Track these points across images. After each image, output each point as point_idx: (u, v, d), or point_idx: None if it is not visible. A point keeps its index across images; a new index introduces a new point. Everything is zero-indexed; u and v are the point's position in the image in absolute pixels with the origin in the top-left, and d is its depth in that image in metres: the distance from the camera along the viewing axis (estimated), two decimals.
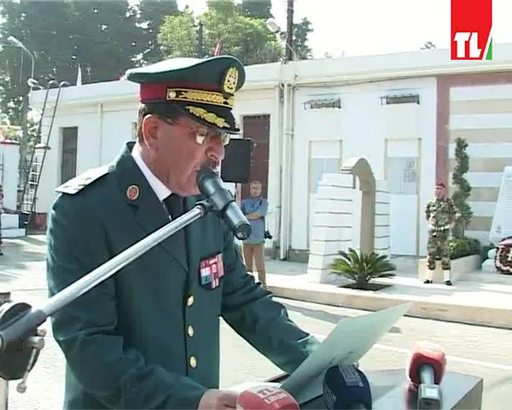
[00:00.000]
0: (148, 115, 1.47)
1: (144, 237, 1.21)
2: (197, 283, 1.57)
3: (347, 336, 1.39)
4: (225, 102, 1.45)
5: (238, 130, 1.48)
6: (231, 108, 1.48)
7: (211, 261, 1.62)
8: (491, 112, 14.33)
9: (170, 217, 1.52)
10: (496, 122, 14.24)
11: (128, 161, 1.53)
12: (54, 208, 1.45)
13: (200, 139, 1.44)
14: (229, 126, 1.44)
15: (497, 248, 12.92)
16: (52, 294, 1.38)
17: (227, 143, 1.52)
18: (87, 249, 1.40)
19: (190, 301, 1.54)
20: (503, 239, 13.00)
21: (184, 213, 1.49)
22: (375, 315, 1.50)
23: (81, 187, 1.44)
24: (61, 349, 1.39)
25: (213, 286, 1.62)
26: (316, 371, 1.36)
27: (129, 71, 1.51)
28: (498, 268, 12.78)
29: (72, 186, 1.45)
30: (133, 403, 1.32)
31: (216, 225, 1.65)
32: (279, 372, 1.65)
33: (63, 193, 1.45)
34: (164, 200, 1.53)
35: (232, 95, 1.47)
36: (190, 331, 1.54)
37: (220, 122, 1.42)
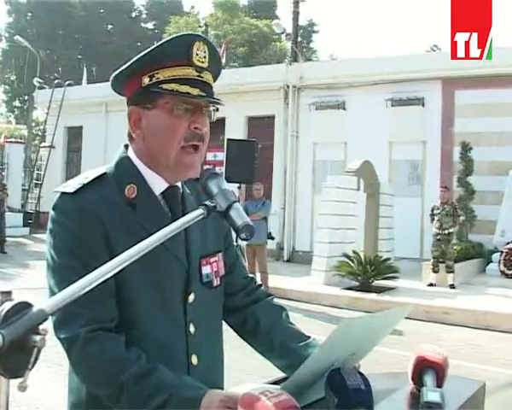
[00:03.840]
0: (131, 108, 1.51)
1: (143, 234, 1.22)
2: (198, 280, 1.57)
3: (348, 337, 1.38)
4: (199, 76, 1.48)
5: (218, 100, 1.51)
6: (209, 84, 1.51)
7: (211, 259, 1.62)
8: (496, 115, 14.31)
9: (169, 211, 1.54)
10: (501, 126, 14.22)
11: (125, 160, 1.56)
12: (53, 208, 1.47)
13: (180, 113, 1.46)
14: (204, 95, 1.47)
15: (502, 252, 12.89)
16: (53, 293, 1.39)
17: (213, 118, 1.54)
18: (87, 247, 1.40)
19: (191, 298, 1.54)
20: (508, 243, 12.97)
21: (183, 207, 1.50)
22: (375, 316, 1.50)
23: (80, 186, 1.46)
24: (62, 347, 1.39)
25: (214, 284, 1.62)
26: (317, 373, 1.36)
27: (111, 79, 1.55)
28: (502, 272, 12.75)
29: (71, 185, 1.47)
30: (134, 401, 1.33)
31: (216, 224, 1.66)
32: (280, 374, 1.65)
33: (62, 193, 1.46)
34: (162, 193, 1.54)
35: (207, 70, 1.51)
36: (191, 329, 1.54)
37: (194, 91, 1.45)
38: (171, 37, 1.47)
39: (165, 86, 1.44)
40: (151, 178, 1.53)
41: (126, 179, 1.51)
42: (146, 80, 1.46)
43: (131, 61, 1.49)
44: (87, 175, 1.50)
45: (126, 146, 1.60)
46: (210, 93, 1.49)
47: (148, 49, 1.46)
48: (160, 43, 1.46)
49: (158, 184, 1.54)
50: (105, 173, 1.52)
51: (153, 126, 1.49)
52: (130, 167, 1.53)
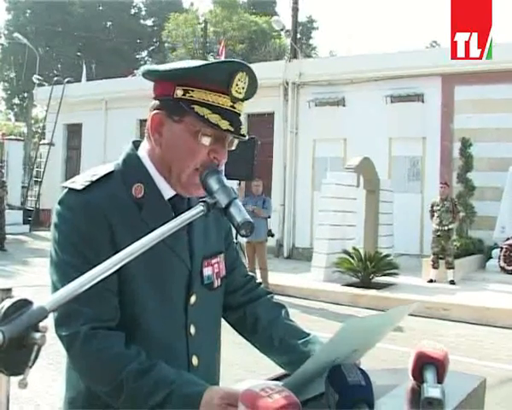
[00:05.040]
0: (156, 111, 1.48)
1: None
2: (199, 282, 1.57)
3: (352, 335, 1.39)
4: (232, 106, 1.45)
5: (244, 136, 1.47)
6: (239, 114, 1.48)
7: (213, 261, 1.62)
8: (495, 111, 14.29)
9: (174, 215, 1.50)
10: (501, 122, 14.21)
11: (134, 158, 1.54)
12: (59, 203, 1.45)
13: (204, 140, 1.44)
14: (233, 130, 1.44)
15: (501, 248, 12.88)
16: (55, 288, 1.38)
17: (233, 147, 1.52)
18: (92, 244, 1.40)
19: (193, 299, 1.54)
20: (507, 239, 12.96)
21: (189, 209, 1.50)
22: (381, 316, 1.50)
23: (87, 183, 1.45)
24: (62, 345, 1.39)
25: (215, 286, 1.62)
26: (319, 370, 1.35)
27: (143, 67, 1.53)
28: (502, 268, 12.75)
29: (79, 182, 1.46)
30: (134, 398, 1.32)
31: (218, 224, 1.66)
32: (280, 371, 1.65)
33: (69, 188, 1.45)
34: (169, 199, 1.53)
35: (241, 100, 1.47)
36: (192, 330, 1.54)
37: (224, 124, 1.42)
38: (216, 61, 1.45)
39: (196, 109, 1.41)
40: (160, 182, 1.52)
41: (134, 178, 1.50)
42: (179, 92, 1.43)
43: (170, 66, 1.47)
44: (95, 172, 1.49)
45: (134, 142, 1.58)
46: (238, 125, 1.45)
47: (190, 65, 1.43)
48: (203, 63, 1.42)
49: (166, 190, 1.52)
50: (113, 171, 1.50)
51: (174, 140, 1.47)
52: (139, 167, 1.52)
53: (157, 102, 1.50)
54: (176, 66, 1.46)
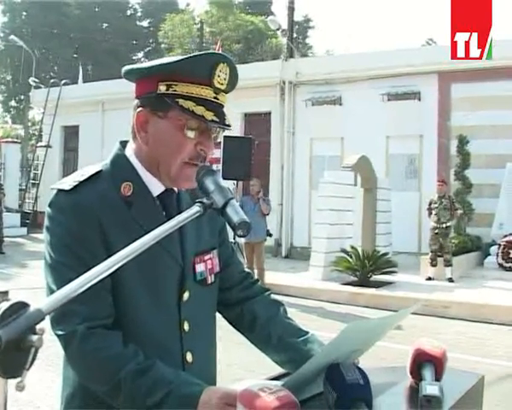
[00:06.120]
0: (140, 109, 1.50)
1: (139, 232, 1.23)
2: (192, 278, 1.57)
3: (354, 336, 1.39)
4: (215, 98, 1.48)
5: (229, 125, 1.49)
6: (222, 105, 1.50)
7: (205, 257, 1.62)
8: (492, 108, 14.30)
9: (164, 213, 1.53)
10: (497, 119, 14.21)
11: (121, 158, 1.55)
12: (49, 205, 1.47)
13: (190, 133, 1.46)
14: (218, 120, 1.46)
15: (499, 245, 12.91)
16: (50, 290, 1.39)
17: (219, 139, 1.53)
18: (84, 244, 1.41)
19: (185, 296, 1.55)
20: (505, 236, 12.99)
21: (178, 208, 1.51)
22: (384, 318, 1.50)
23: (76, 183, 1.46)
24: (59, 344, 1.39)
25: (209, 282, 1.63)
26: (319, 371, 1.35)
27: (124, 68, 1.54)
28: (500, 265, 12.78)
29: (67, 183, 1.47)
30: (132, 398, 1.33)
31: (211, 221, 1.66)
32: (280, 370, 1.65)
33: (58, 190, 1.47)
34: (158, 196, 1.54)
35: (223, 91, 1.50)
36: (186, 327, 1.54)
37: (209, 115, 1.44)
38: (197, 53, 1.47)
39: (181, 102, 1.43)
40: (148, 180, 1.53)
41: (122, 177, 1.51)
42: (162, 88, 1.45)
43: (151, 63, 1.48)
44: (83, 172, 1.51)
45: (122, 143, 1.59)
46: (222, 116, 1.48)
47: (171, 59, 1.45)
48: (185, 57, 1.45)
49: (155, 187, 1.54)
50: (101, 171, 1.51)
51: (160, 136, 1.48)
52: (127, 166, 1.53)
53: (140, 100, 1.51)
54: (157, 62, 1.48)
